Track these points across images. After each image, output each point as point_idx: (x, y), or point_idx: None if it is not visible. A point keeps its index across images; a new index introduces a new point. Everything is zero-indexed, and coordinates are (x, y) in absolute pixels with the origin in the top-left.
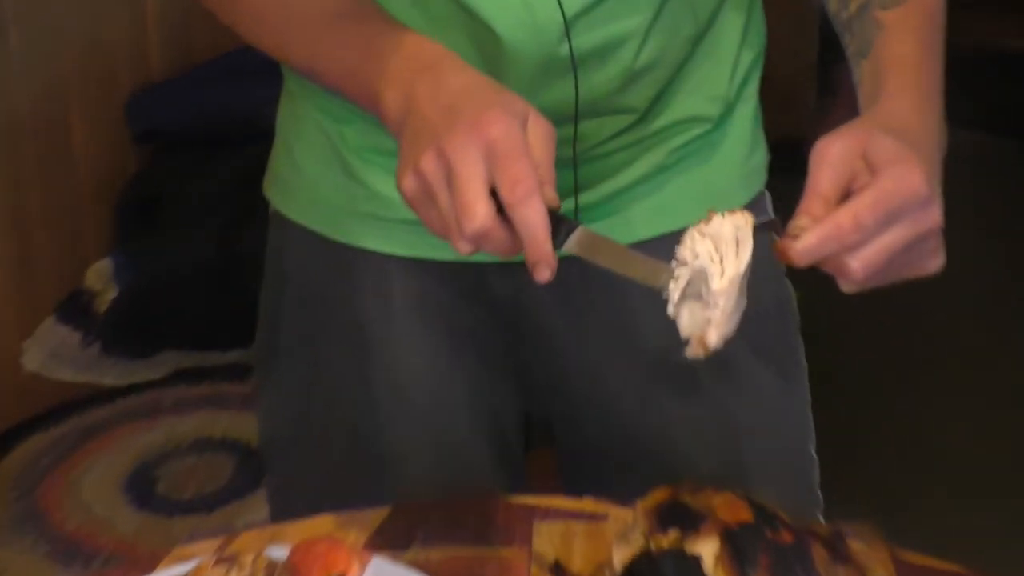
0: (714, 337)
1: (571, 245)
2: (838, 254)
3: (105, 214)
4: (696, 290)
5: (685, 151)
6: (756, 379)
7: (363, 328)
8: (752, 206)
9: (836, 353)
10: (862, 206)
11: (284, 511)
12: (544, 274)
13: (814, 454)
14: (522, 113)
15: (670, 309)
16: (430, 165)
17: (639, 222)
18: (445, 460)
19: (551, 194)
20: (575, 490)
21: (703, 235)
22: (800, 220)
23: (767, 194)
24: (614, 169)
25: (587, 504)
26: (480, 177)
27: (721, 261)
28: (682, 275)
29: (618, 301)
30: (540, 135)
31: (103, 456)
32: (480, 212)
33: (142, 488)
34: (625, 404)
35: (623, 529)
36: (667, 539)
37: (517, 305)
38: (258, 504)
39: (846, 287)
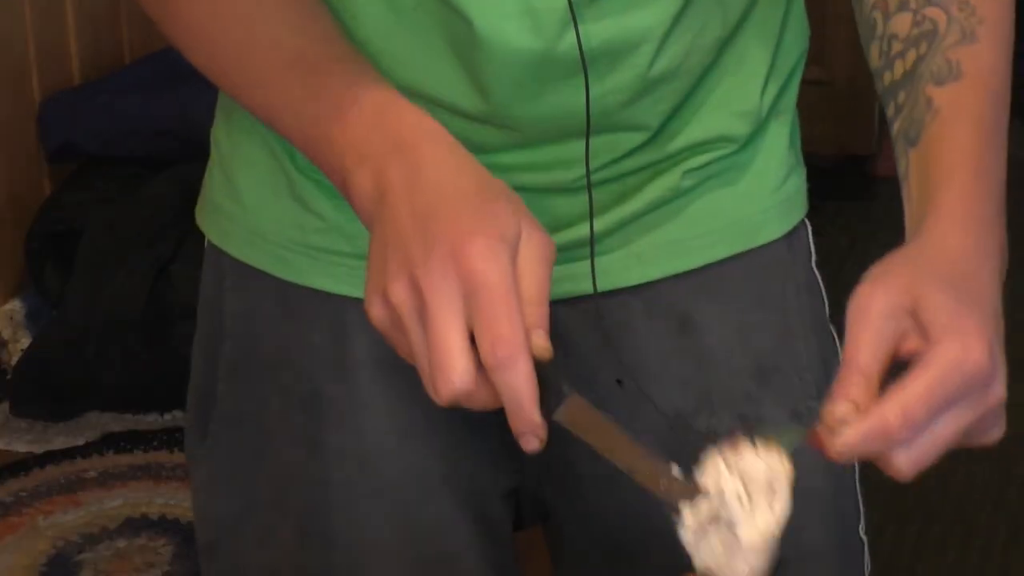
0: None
1: (559, 415)
2: (884, 450)
3: (13, 247)
4: (716, 515)
5: (706, 172)
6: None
7: (317, 390)
8: (790, 240)
9: None
10: (913, 397)
11: None
12: (532, 444)
13: (863, 535)
14: (513, 232)
15: (684, 535)
16: (401, 295)
17: (651, 258)
18: (419, 546)
19: (541, 344)
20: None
21: (730, 468)
22: (839, 406)
23: (807, 225)
24: (624, 195)
25: None
26: (458, 327)
27: (749, 502)
28: (701, 507)
29: (628, 358)
30: (533, 259)
31: (15, 540)
32: (457, 373)
33: None
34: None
35: None
36: None
37: None
38: None
39: (892, 474)
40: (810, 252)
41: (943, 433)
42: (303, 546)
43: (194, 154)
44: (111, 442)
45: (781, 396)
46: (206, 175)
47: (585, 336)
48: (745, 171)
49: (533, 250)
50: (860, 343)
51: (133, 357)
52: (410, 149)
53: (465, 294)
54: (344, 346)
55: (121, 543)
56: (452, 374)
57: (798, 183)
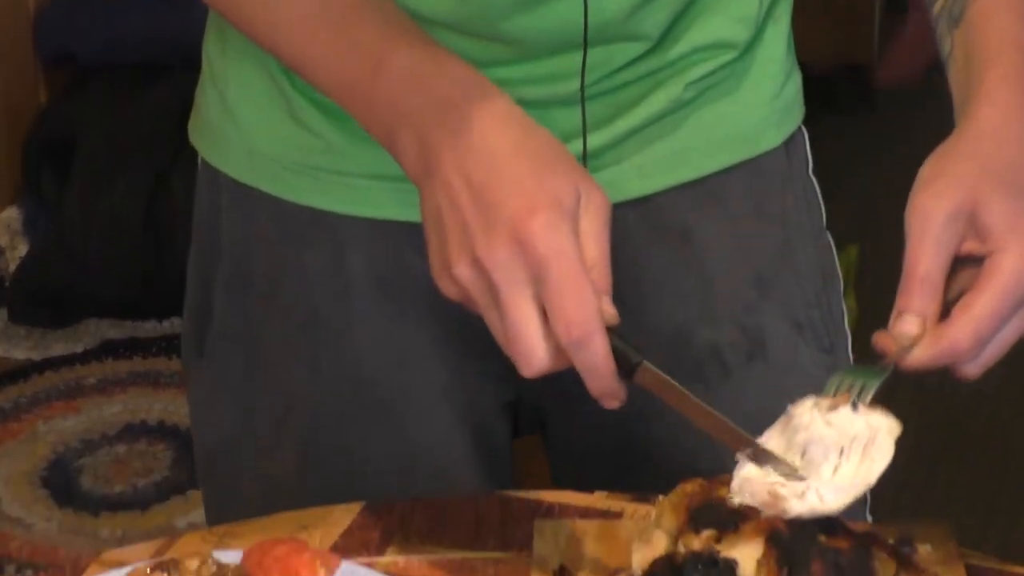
0: (799, 511)
1: (636, 379)
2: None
3: (10, 155)
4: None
5: (707, 83)
6: (794, 356)
7: (315, 310)
8: (788, 147)
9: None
10: (982, 317)
11: (224, 518)
12: (612, 405)
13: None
14: (572, 199)
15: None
16: (467, 275)
17: (653, 169)
18: (418, 460)
19: (610, 311)
20: (575, 485)
21: (828, 423)
22: (906, 322)
23: (804, 133)
24: (624, 107)
25: (599, 500)
26: (530, 311)
27: (840, 454)
28: (775, 442)
29: (629, 272)
30: (595, 223)
31: (16, 445)
32: (537, 358)
33: (63, 482)
34: (637, 391)
35: (644, 527)
36: (699, 540)
37: None
38: (201, 500)
39: (957, 377)
40: (807, 160)
41: (1008, 337)
42: (301, 465)
43: (193, 63)
44: (110, 349)
45: (781, 306)
46: (198, 91)
47: None
48: (744, 79)
49: (593, 214)
50: (922, 252)
51: (131, 265)
52: (454, 109)
53: (532, 275)
54: (342, 266)
55: (120, 449)
56: (532, 358)
57: (795, 89)
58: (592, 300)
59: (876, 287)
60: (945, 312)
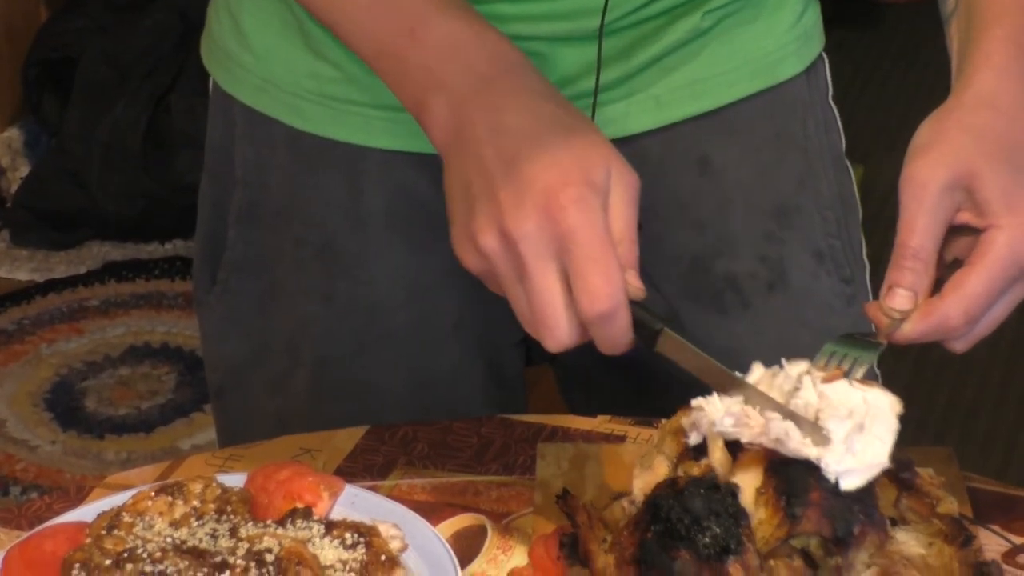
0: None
1: (657, 347)
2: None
3: (10, 75)
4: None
5: (725, 11)
6: (815, 286)
7: (330, 241)
8: (809, 75)
9: None
10: (973, 295)
11: (237, 444)
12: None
13: (876, 369)
14: (603, 175)
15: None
16: (493, 246)
17: (671, 99)
18: (430, 386)
19: (636, 285)
20: (584, 410)
21: (821, 395)
22: (897, 297)
23: (825, 60)
24: (642, 39)
25: (601, 424)
26: (556, 285)
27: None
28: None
29: (646, 202)
30: (623, 199)
31: (19, 367)
32: (561, 331)
33: (66, 404)
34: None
35: (646, 453)
36: (699, 467)
37: None
38: (206, 423)
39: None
40: (828, 86)
41: (999, 314)
42: (314, 394)
43: None
44: (112, 271)
45: (803, 236)
46: (210, 14)
47: None
48: (762, 7)
49: (622, 191)
50: (916, 224)
51: (133, 186)
52: (490, 84)
53: (559, 248)
54: (358, 197)
55: (124, 371)
56: (556, 332)
57: (815, 16)
58: (618, 274)
59: (881, 210)
60: (938, 280)
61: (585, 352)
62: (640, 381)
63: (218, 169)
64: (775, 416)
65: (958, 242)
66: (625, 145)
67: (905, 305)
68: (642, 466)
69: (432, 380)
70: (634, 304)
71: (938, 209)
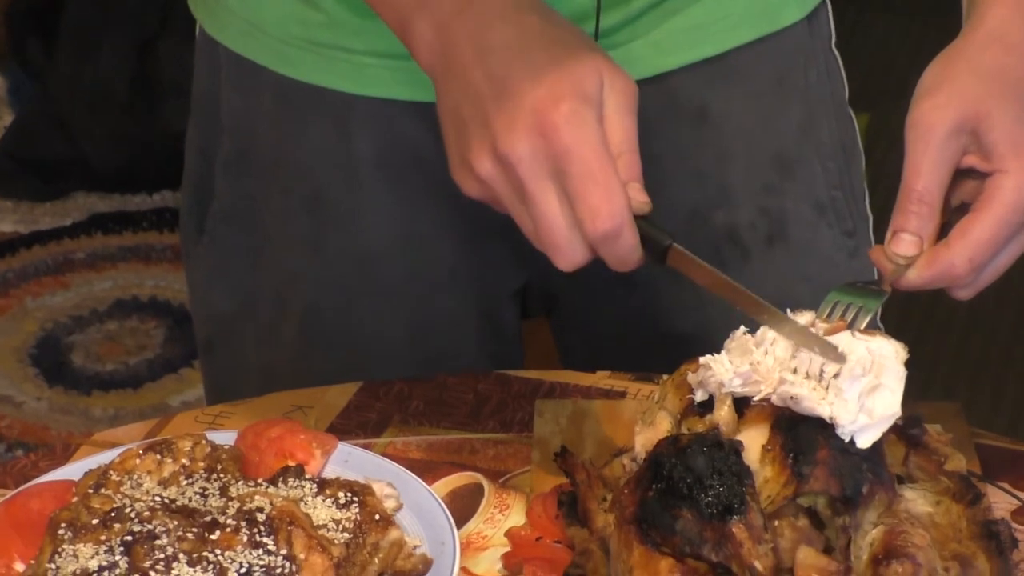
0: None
1: (668, 261)
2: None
3: None
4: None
5: None
6: (816, 239)
7: (319, 189)
8: (811, 21)
9: None
10: (979, 243)
11: (225, 400)
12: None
13: (879, 322)
14: (595, 87)
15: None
16: (489, 169)
17: (670, 45)
18: (423, 339)
19: (641, 199)
20: (582, 365)
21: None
22: (903, 242)
23: (828, 5)
24: None
25: (601, 379)
26: (558, 205)
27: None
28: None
29: (643, 151)
30: (620, 109)
31: (3, 321)
32: (569, 251)
33: (52, 359)
34: (654, 272)
35: (647, 409)
36: (703, 423)
37: None
38: (195, 379)
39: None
40: (831, 32)
41: (1005, 261)
42: (303, 346)
43: None
44: (99, 223)
45: (804, 187)
46: None
47: None
48: None
49: (618, 99)
50: (921, 168)
51: (120, 135)
52: (474, 3)
53: (556, 167)
54: (347, 145)
55: (111, 326)
56: (566, 252)
57: None
58: (619, 191)
59: (887, 159)
60: (944, 224)
61: (585, 307)
62: (641, 333)
63: (205, 116)
64: (787, 375)
65: (965, 186)
66: None
67: (910, 251)
68: (644, 422)
69: (426, 332)
70: (640, 219)
71: (944, 153)
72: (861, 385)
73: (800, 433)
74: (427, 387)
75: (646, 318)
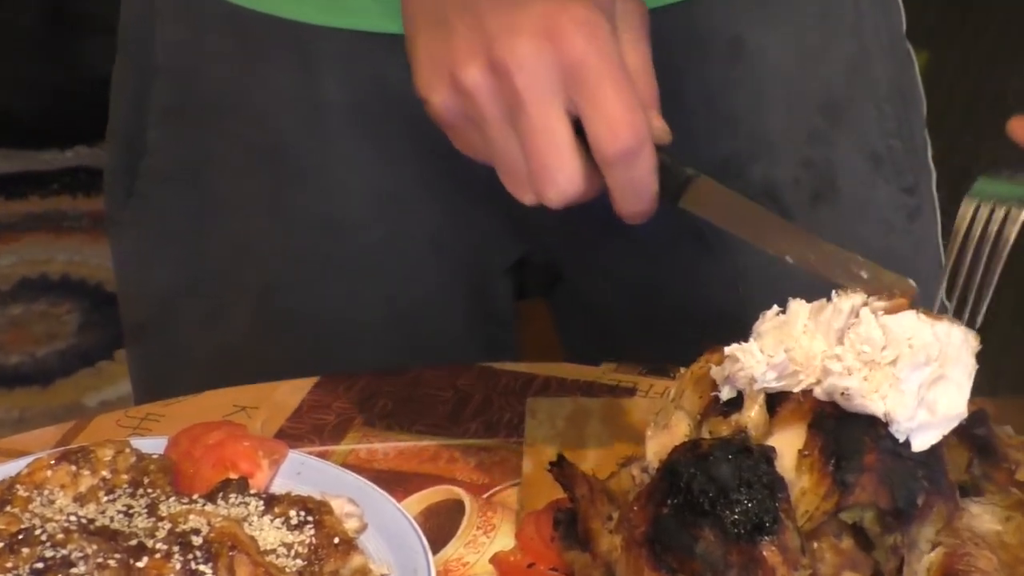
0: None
1: (687, 202)
2: None
3: None
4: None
5: None
6: (870, 197)
7: (278, 141)
8: None
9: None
10: None
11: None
12: (637, 221)
13: (946, 301)
14: (608, 3)
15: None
16: (477, 79)
17: None
18: (401, 321)
19: (661, 126)
20: (586, 356)
21: (883, 327)
22: None
23: None
24: None
25: (605, 373)
26: (562, 117)
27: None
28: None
29: (667, 92)
30: (635, 28)
31: None
32: (566, 175)
33: None
34: (678, 238)
35: (661, 408)
36: (728, 424)
37: None
38: (117, 373)
39: None
40: None
41: None
42: (256, 330)
43: None
44: (0, 185)
45: (855, 135)
46: None
47: None
48: None
49: (632, 20)
50: None
51: (28, 77)
52: None
53: (566, 77)
54: (312, 87)
55: (16, 310)
56: (560, 175)
57: None
58: (640, 106)
59: (948, 104)
60: None
61: (590, 282)
62: (660, 316)
63: (135, 55)
64: (832, 364)
65: None
66: None
67: None
68: (656, 425)
69: (405, 313)
70: (661, 149)
71: None
72: (923, 375)
73: (843, 434)
74: (397, 382)
75: (666, 297)
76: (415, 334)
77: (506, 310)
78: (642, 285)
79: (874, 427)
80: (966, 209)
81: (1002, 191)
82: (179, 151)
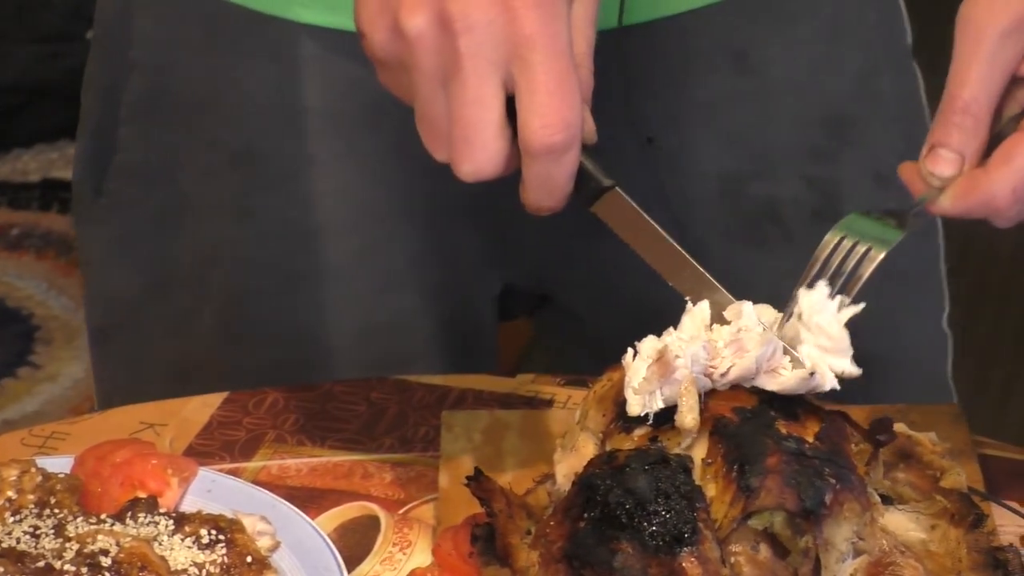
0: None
1: (599, 208)
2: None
3: None
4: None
5: None
6: None
7: (251, 142)
8: None
9: None
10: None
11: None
12: (539, 215)
13: (946, 328)
14: None
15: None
16: (421, 26)
17: None
18: (375, 343)
19: (591, 127)
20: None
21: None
22: (940, 159)
23: None
24: None
25: (522, 384)
26: (496, 93)
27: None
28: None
29: (667, 104)
30: (586, 16)
31: None
32: (487, 155)
33: None
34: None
35: (568, 430)
36: (631, 441)
37: None
38: (19, 391)
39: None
40: None
41: None
42: (221, 337)
43: None
44: None
45: (861, 153)
46: None
47: (608, 79)
48: None
49: (586, 5)
50: (968, 74)
51: None
52: None
53: (511, 53)
54: (290, 88)
55: None
56: (480, 153)
57: None
58: (579, 103)
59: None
60: (995, 137)
61: (585, 297)
62: (643, 330)
63: (109, 48)
64: (767, 336)
65: (1020, 96)
66: (646, 34)
67: (948, 170)
68: (563, 447)
69: (380, 330)
70: (584, 150)
71: (996, 58)
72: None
73: (745, 439)
74: (308, 396)
75: (655, 309)
76: (388, 352)
77: (489, 335)
78: (630, 299)
79: (772, 429)
80: (829, 240)
81: (867, 229)
82: (150, 149)
